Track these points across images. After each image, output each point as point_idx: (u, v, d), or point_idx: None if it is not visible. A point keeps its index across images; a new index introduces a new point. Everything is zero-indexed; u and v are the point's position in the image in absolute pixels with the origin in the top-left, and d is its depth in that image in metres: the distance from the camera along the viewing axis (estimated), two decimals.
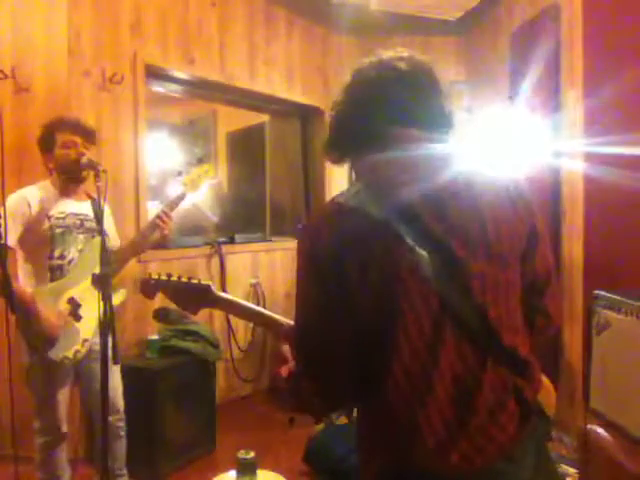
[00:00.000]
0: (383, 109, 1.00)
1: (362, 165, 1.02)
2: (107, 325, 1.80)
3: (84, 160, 2.09)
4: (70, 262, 2.15)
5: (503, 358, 0.92)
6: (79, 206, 2.22)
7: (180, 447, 2.80)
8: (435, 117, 1.02)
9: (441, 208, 0.92)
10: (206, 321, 3.54)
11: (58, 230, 2.12)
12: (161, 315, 3.14)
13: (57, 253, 2.12)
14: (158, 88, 3.61)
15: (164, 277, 1.29)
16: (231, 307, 1.31)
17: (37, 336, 2.02)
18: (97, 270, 2.12)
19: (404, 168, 0.96)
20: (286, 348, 1.13)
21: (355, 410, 1.04)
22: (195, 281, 1.28)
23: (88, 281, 2.17)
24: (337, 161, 1.11)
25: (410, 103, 1.00)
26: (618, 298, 1.96)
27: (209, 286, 1.28)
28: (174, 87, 3.71)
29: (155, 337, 2.91)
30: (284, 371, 1.06)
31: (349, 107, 1.03)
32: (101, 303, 1.79)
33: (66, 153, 2.13)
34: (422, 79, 1.02)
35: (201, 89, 3.88)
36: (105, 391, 1.82)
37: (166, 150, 5.16)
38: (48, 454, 2.14)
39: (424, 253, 0.88)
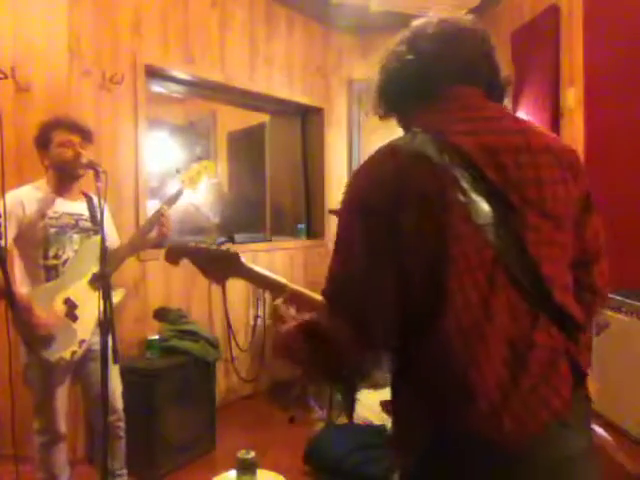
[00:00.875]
0: (451, 64, 1.00)
1: (420, 117, 0.99)
2: (107, 324, 1.80)
3: (84, 160, 2.09)
4: (65, 262, 2.14)
5: (556, 317, 0.89)
6: (74, 205, 2.22)
7: (180, 447, 2.80)
8: (494, 80, 1.04)
9: (499, 159, 0.90)
10: (206, 321, 3.54)
11: (52, 230, 2.12)
12: (161, 315, 3.15)
13: (52, 253, 2.12)
14: (158, 88, 3.60)
15: (192, 243, 1.28)
16: (257, 278, 1.30)
17: (33, 336, 2.02)
18: (93, 270, 2.12)
19: (464, 120, 0.95)
20: (283, 307, 1.11)
21: (391, 378, 0.97)
22: (224, 248, 1.27)
23: (84, 281, 2.17)
24: (385, 115, 1.09)
25: (473, 62, 1.01)
26: (618, 298, 1.96)
27: (237, 254, 1.26)
28: (174, 87, 3.71)
29: (155, 337, 2.91)
30: (296, 322, 1.00)
31: (413, 60, 1.01)
32: (101, 302, 1.79)
33: (63, 152, 2.13)
34: (482, 41, 1.03)
35: (201, 89, 3.88)
36: (105, 391, 1.82)
37: (166, 150, 5.16)
38: (48, 454, 2.14)
39: (479, 199, 0.86)
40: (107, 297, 1.82)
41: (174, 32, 3.35)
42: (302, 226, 4.54)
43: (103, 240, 1.90)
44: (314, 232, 4.59)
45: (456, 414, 0.85)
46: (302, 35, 4.29)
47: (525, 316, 0.86)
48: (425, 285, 0.85)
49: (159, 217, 2.29)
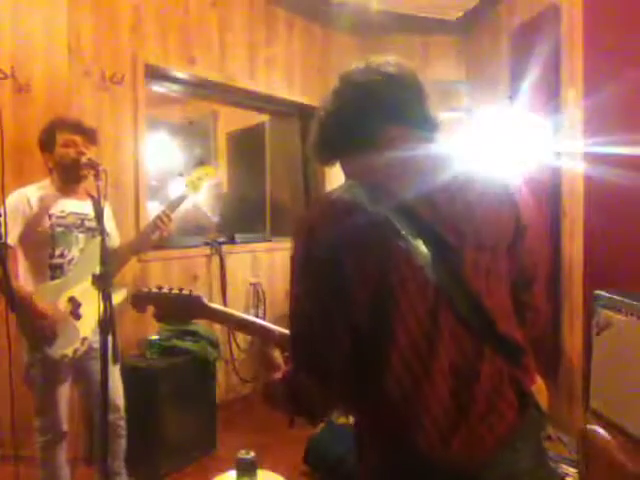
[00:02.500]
0: (377, 109, 1.03)
1: (356, 164, 1.04)
2: (107, 324, 1.80)
3: (84, 160, 2.09)
4: (70, 261, 2.15)
5: (500, 346, 0.93)
6: (79, 205, 2.22)
7: (180, 447, 2.80)
8: (425, 119, 1.06)
9: (433, 201, 0.94)
10: (206, 321, 3.54)
11: (58, 229, 2.13)
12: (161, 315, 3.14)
13: (57, 252, 2.12)
14: (158, 88, 3.60)
15: (154, 290, 1.28)
16: (221, 317, 1.31)
17: (36, 333, 2.02)
18: (98, 270, 2.13)
19: (399, 165, 0.99)
20: (277, 354, 1.12)
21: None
22: (186, 292, 1.27)
23: (89, 280, 2.17)
24: (326, 162, 1.13)
25: (401, 104, 1.04)
26: (618, 298, 1.96)
27: (200, 297, 1.27)
28: (174, 87, 3.71)
29: (155, 337, 2.91)
30: (279, 376, 1.05)
31: (343, 108, 1.05)
32: (101, 302, 1.79)
33: (66, 152, 2.13)
34: (409, 82, 1.05)
35: (201, 89, 3.88)
36: (105, 390, 1.82)
37: (166, 150, 5.16)
38: (49, 453, 2.14)
39: (418, 242, 0.90)
40: (107, 297, 1.82)
41: (174, 32, 3.34)
42: None
43: (103, 239, 1.91)
44: None
45: (407, 442, 0.89)
46: (302, 35, 4.29)
47: (470, 349, 0.91)
48: (372, 331, 0.90)
49: (161, 220, 2.29)
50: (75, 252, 2.17)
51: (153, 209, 3.27)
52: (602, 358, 2.03)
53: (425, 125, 1.06)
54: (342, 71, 1.08)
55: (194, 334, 3.03)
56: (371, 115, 1.03)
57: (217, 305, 1.32)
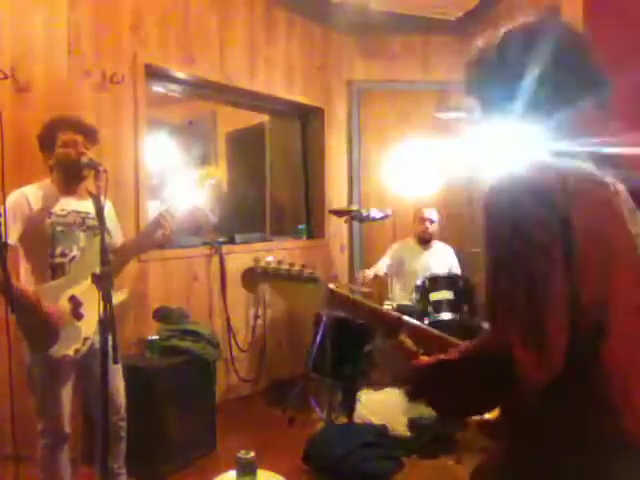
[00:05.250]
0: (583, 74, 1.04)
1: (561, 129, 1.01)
2: (107, 324, 1.80)
3: (85, 160, 2.09)
4: (72, 260, 2.14)
5: None
6: (80, 204, 2.22)
7: (180, 447, 2.79)
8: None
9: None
10: (206, 321, 3.54)
11: (59, 228, 2.12)
12: (161, 315, 3.15)
13: (58, 251, 2.12)
14: (158, 88, 3.60)
15: (273, 265, 1.14)
16: (343, 304, 1.19)
17: (39, 333, 2.02)
18: (98, 269, 2.13)
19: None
20: (408, 341, 1.04)
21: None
22: (308, 271, 1.14)
23: (90, 279, 2.16)
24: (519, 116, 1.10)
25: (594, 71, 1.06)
26: None
27: (317, 278, 1.14)
28: (174, 87, 3.71)
29: (155, 337, 2.91)
30: (443, 357, 0.94)
31: (553, 68, 1.02)
32: (101, 302, 1.79)
33: (66, 152, 2.12)
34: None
35: (201, 89, 3.89)
36: (105, 390, 1.82)
37: (166, 150, 5.16)
38: (51, 455, 2.13)
39: (635, 211, 0.90)
40: (107, 296, 1.81)
41: (174, 32, 3.35)
42: (302, 226, 4.54)
43: (102, 239, 1.90)
44: (314, 232, 4.59)
45: (615, 422, 0.85)
46: (302, 35, 4.29)
47: None
48: (592, 300, 0.85)
49: (163, 218, 2.29)
50: (76, 251, 2.16)
51: (153, 209, 3.27)
52: None
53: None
54: (526, 19, 1.06)
55: (194, 334, 3.03)
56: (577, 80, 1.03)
57: (336, 288, 1.17)
